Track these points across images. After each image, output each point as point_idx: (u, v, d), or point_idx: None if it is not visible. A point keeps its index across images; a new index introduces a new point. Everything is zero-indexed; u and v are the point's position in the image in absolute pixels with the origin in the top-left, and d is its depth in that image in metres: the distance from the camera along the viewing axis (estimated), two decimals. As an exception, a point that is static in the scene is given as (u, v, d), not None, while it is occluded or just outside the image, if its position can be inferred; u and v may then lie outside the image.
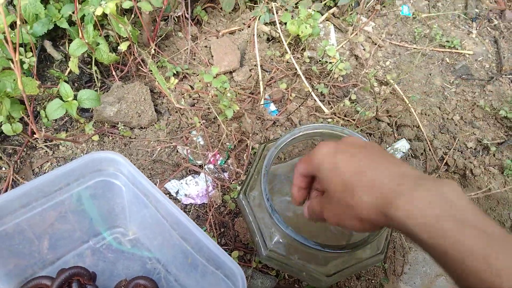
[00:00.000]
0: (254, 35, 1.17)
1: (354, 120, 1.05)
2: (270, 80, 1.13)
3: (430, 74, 1.25)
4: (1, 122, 0.85)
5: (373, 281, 0.86)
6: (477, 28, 1.40)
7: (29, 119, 0.90)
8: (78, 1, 0.84)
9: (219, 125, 1.02)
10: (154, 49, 1.02)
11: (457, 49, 1.32)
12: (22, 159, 0.95)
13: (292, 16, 1.16)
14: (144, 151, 0.97)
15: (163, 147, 0.98)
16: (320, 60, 1.18)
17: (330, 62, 1.15)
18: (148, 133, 1.00)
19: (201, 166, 0.96)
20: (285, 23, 1.18)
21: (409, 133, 1.07)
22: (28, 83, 0.84)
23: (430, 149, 1.05)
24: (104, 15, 0.98)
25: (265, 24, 1.22)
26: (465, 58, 1.31)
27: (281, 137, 0.72)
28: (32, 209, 0.72)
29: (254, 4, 1.27)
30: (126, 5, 0.89)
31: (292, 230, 0.61)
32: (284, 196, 0.82)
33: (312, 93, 1.08)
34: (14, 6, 1.03)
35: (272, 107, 1.08)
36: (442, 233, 0.40)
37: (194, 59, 1.16)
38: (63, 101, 0.87)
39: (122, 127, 0.95)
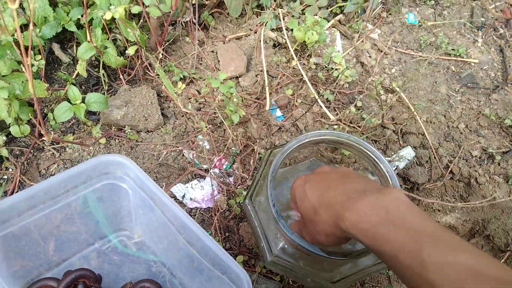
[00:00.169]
0: (260, 41, 1.17)
1: (359, 127, 1.06)
2: (276, 86, 1.13)
3: (436, 82, 1.25)
4: (10, 123, 0.86)
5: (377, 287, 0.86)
6: (483, 36, 1.41)
7: (37, 121, 0.91)
8: (86, 4, 0.85)
9: (224, 129, 1.02)
10: (162, 54, 1.03)
11: (462, 58, 1.32)
12: (29, 161, 0.96)
13: (298, 23, 1.16)
14: (150, 154, 0.98)
15: (169, 150, 0.98)
16: (326, 67, 1.19)
17: (336, 69, 1.15)
18: (154, 136, 1.01)
19: (206, 170, 0.97)
20: (292, 30, 1.18)
21: (415, 141, 1.07)
22: (37, 86, 0.85)
23: (435, 157, 1.05)
24: (112, 19, 0.99)
25: (272, 30, 1.23)
26: (470, 67, 1.31)
27: (287, 143, 0.72)
28: (39, 211, 0.72)
29: (261, 10, 1.28)
30: (135, 10, 0.90)
31: (297, 236, 0.62)
32: (289, 201, 0.82)
33: (318, 100, 1.08)
34: (23, 9, 1.04)
35: (278, 112, 1.08)
36: (378, 237, 0.47)
37: (200, 63, 1.16)
38: (71, 104, 0.88)
39: (129, 130, 0.96)
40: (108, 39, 0.99)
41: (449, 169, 1.04)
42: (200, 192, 0.93)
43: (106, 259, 0.81)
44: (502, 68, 1.32)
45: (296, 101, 1.10)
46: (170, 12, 0.98)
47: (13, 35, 0.90)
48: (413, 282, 0.44)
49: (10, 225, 0.69)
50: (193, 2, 1.06)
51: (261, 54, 1.15)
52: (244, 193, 0.91)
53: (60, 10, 1.04)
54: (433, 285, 0.41)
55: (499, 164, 1.07)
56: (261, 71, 1.15)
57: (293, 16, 1.23)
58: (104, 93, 1.06)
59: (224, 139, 1.01)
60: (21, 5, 1.06)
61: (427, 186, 1.01)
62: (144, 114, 0.99)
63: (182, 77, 1.08)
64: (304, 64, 1.19)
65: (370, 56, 1.27)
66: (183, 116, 1.05)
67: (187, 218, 0.68)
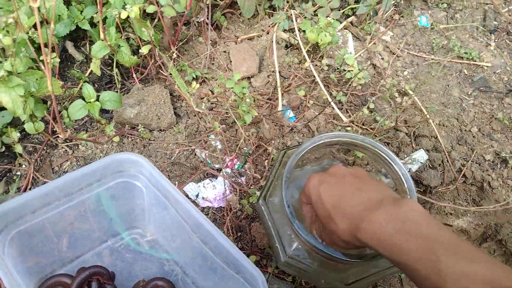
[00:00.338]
0: (272, 41, 1.17)
1: (372, 129, 1.05)
2: (288, 87, 1.13)
3: (448, 85, 1.25)
4: (24, 120, 0.86)
5: (388, 290, 0.86)
6: (496, 40, 1.40)
7: (52, 118, 0.91)
8: (100, 3, 0.85)
9: (237, 129, 1.03)
10: (176, 53, 1.03)
11: (475, 61, 1.32)
12: (42, 157, 0.96)
13: (311, 24, 1.16)
14: (163, 153, 0.98)
15: (182, 150, 0.99)
16: (338, 68, 1.19)
17: (348, 71, 1.15)
18: (167, 135, 1.01)
19: (218, 170, 0.97)
20: (304, 31, 1.18)
21: (427, 144, 1.07)
22: (52, 83, 0.85)
23: (448, 160, 1.05)
24: (126, 18, 1.00)
25: (284, 31, 1.23)
26: (483, 70, 1.31)
27: (302, 144, 0.72)
28: (54, 208, 0.72)
29: (273, 11, 1.28)
30: (150, 9, 0.90)
31: (312, 237, 0.62)
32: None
33: (331, 102, 1.08)
34: (38, 7, 1.04)
35: (290, 113, 1.08)
36: (395, 247, 0.47)
37: (213, 63, 1.16)
38: (85, 102, 0.88)
39: (142, 129, 0.96)
40: (121, 38, 0.99)
41: (462, 172, 1.03)
42: (212, 192, 0.93)
43: (119, 256, 0.81)
44: (515, 72, 1.32)
45: (308, 102, 1.10)
46: (184, 12, 0.98)
47: (27, 32, 0.90)
48: None
49: (25, 221, 0.69)
50: (207, 2, 1.06)
51: (273, 55, 1.15)
52: (257, 193, 0.91)
53: (73, 9, 1.05)
54: None
55: (512, 168, 1.07)
56: (273, 71, 1.15)
57: (305, 17, 1.23)
58: (117, 91, 1.06)
59: (236, 139, 1.01)
60: (36, 3, 1.06)
61: (439, 189, 1.00)
62: (157, 113, 0.99)
63: (194, 76, 1.08)
64: (316, 65, 1.19)
65: (382, 58, 1.26)
66: (195, 115, 1.05)
67: (202, 217, 0.68)
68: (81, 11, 1.06)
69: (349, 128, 1.05)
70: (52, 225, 0.73)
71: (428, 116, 1.11)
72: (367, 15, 1.33)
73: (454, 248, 0.44)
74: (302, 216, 0.67)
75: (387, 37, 1.35)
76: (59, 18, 1.04)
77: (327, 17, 1.21)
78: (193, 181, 0.94)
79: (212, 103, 1.07)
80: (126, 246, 0.83)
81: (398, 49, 1.31)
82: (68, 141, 0.99)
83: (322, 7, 1.25)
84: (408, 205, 0.50)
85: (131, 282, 0.76)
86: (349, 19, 1.33)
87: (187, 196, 0.92)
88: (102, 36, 0.90)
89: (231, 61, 1.15)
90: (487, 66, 1.31)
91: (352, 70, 1.15)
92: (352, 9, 1.34)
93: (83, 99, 0.89)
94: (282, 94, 1.10)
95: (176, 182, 0.94)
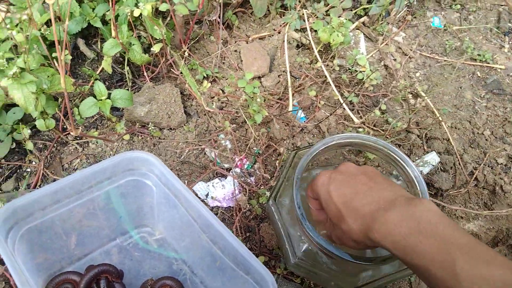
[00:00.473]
0: (284, 41, 1.17)
1: (383, 130, 1.04)
2: (299, 87, 1.12)
3: (461, 88, 1.23)
4: (35, 117, 0.87)
5: (398, 294, 0.85)
6: (510, 42, 1.38)
7: (64, 115, 0.91)
8: (112, 1, 0.85)
9: (246, 129, 1.02)
10: (187, 52, 1.03)
11: (488, 63, 1.30)
12: (52, 155, 0.97)
13: (323, 24, 1.15)
14: (173, 152, 0.98)
15: (191, 149, 0.98)
16: (349, 69, 1.18)
17: (360, 71, 1.14)
18: (177, 134, 1.01)
19: (228, 170, 0.96)
20: (315, 31, 1.18)
21: (439, 146, 1.05)
22: (65, 81, 0.86)
23: (459, 163, 1.04)
24: (137, 16, 1.00)
25: (296, 30, 1.22)
26: (496, 73, 1.29)
27: (313, 145, 0.72)
28: (64, 205, 0.72)
29: (285, 11, 1.27)
30: (163, 7, 0.90)
31: (323, 239, 0.61)
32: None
33: (343, 103, 1.07)
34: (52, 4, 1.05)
35: (301, 113, 1.08)
36: (409, 248, 0.46)
37: (223, 63, 1.16)
38: (97, 99, 0.88)
39: (152, 127, 0.96)
40: (133, 36, 0.99)
41: (474, 176, 1.02)
42: (221, 191, 0.93)
43: (127, 255, 0.81)
44: (529, 75, 1.30)
45: (319, 102, 1.10)
46: (196, 11, 0.98)
47: (39, 29, 0.91)
48: None
49: (35, 218, 0.69)
50: (220, 1, 1.06)
51: (285, 55, 1.14)
52: (267, 193, 0.91)
53: (85, 6, 1.05)
54: None
55: (525, 172, 1.06)
56: (283, 71, 1.15)
57: (317, 17, 1.22)
58: (128, 89, 1.06)
59: (246, 138, 1.01)
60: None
61: (451, 192, 0.99)
62: (167, 112, 0.99)
63: (205, 75, 1.08)
64: (327, 65, 1.18)
65: (394, 59, 1.25)
66: (205, 114, 1.05)
67: (212, 217, 0.68)
68: (93, 9, 1.06)
69: (360, 129, 1.04)
70: (62, 223, 0.73)
71: (440, 118, 1.10)
72: (380, 15, 1.32)
73: (471, 250, 0.43)
74: (309, 213, 0.67)
75: (400, 38, 1.33)
76: (71, 15, 1.04)
77: (339, 17, 1.20)
78: (203, 181, 0.94)
79: (222, 102, 1.07)
80: (134, 244, 0.83)
81: (411, 50, 1.30)
82: (78, 138, 0.99)
83: (334, 7, 1.24)
84: (423, 205, 0.49)
85: (139, 281, 0.76)
86: (361, 20, 1.32)
87: (196, 195, 0.92)
88: (114, 34, 0.90)
89: (241, 61, 1.15)
90: (500, 69, 1.30)
91: (364, 71, 1.14)
92: (364, 9, 1.33)
93: (94, 96, 0.89)
94: (293, 94, 1.09)
95: (186, 181, 0.94)
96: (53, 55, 0.94)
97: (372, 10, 1.30)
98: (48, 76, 0.87)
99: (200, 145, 0.99)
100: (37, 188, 0.90)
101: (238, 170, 0.97)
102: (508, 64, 1.32)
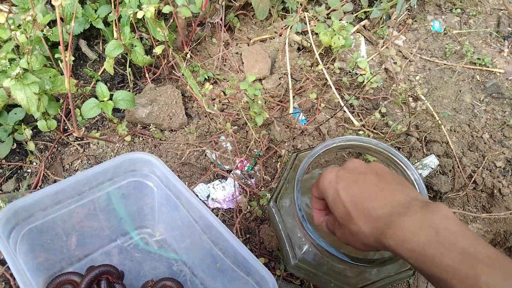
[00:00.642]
0: (285, 44, 1.17)
1: (383, 133, 1.05)
2: (299, 89, 1.13)
3: (460, 91, 1.24)
4: (37, 118, 0.87)
5: (397, 296, 0.86)
6: (509, 46, 1.39)
7: (66, 116, 0.92)
8: (115, 2, 0.85)
9: (247, 131, 1.03)
10: (189, 54, 1.03)
11: (488, 67, 1.31)
12: (53, 155, 0.97)
13: (324, 27, 1.16)
14: (174, 153, 0.98)
15: (192, 150, 0.99)
16: (350, 72, 1.18)
17: (361, 74, 1.15)
18: (178, 136, 1.01)
19: (228, 171, 0.97)
20: (316, 33, 1.18)
21: (438, 149, 1.06)
22: (69, 82, 0.86)
23: (458, 166, 1.04)
24: (139, 18, 1.00)
25: (297, 33, 1.23)
26: (496, 77, 1.30)
27: (314, 147, 0.72)
28: (65, 206, 0.73)
29: (286, 13, 1.28)
30: (166, 10, 0.90)
31: (324, 241, 0.61)
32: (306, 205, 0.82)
33: (343, 106, 1.08)
34: (52, 5, 1.05)
35: (301, 116, 1.08)
36: (428, 259, 0.43)
37: (225, 65, 1.17)
38: (99, 100, 0.89)
39: (154, 128, 0.96)
40: (135, 38, 1.00)
41: (473, 179, 1.03)
42: (222, 193, 0.93)
43: (127, 256, 0.81)
44: (528, 79, 1.31)
45: (320, 105, 1.10)
46: (198, 13, 0.98)
47: (42, 30, 0.91)
48: None
49: (36, 219, 0.70)
50: (222, 4, 1.06)
51: (286, 57, 1.15)
52: (268, 195, 0.91)
53: (88, 7, 1.05)
54: None
55: (523, 176, 1.06)
56: (284, 74, 1.15)
57: (318, 20, 1.22)
58: (129, 91, 1.07)
59: (246, 140, 1.01)
60: (49, 2, 1.07)
61: (449, 195, 1.00)
62: (168, 113, 0.99)
63: (206, 77, 1.09)
64: (328, 68, 1.19)
65: (395, 63, 1.26)
66: (206, 116, 1.05)
67: (213, 218, 0.68)
68: (95, 10, 1.06)
69: (360, 132, 1.05)
70: (62, 223, 0.74)
71: (439, 121, 1.10)
72: (380, 19, 1.33)
73: (494, 263, 0.41)
74: (311, 212, 0.64)
75: (400, 41, 1.34)
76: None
77: (340, 20, 1.21)
78: (203, 182, 0.94)
79: (223, 104, 1.07)
80: (135, 245, 0.83)
81: (411, 53, 1.30)
82: (79, 139, 0.99)
83: (335, 10, 1.25)
84: (441, 211, 0.46)
85: (139, 282, 0.76)
86: (362, 23, 1.32)
87: (197, 197, 0.92)
88: (116, 35, 0.90)
89: (243, 63, 1.15)
90: (500, 73, 1.31)
91: (364, 74, 1.15)
92: (365, 12, 1.34)
93: (96, 97, 0.90)
94: (294, 96, 1.10)
95: (186, 183, 0.95)
96: (56, 56, 0.95)
97: (373, 13, 1.30)
98: (50, 77, 0.87)
99: (201, 146, 0.99)
100: (38, 189, 0.90)
101: (238, 172, 0.97)
102: (507, 68, 1.32)
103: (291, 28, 1.20)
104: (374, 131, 1.06)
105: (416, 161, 1.03)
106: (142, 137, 1.00)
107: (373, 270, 0.68)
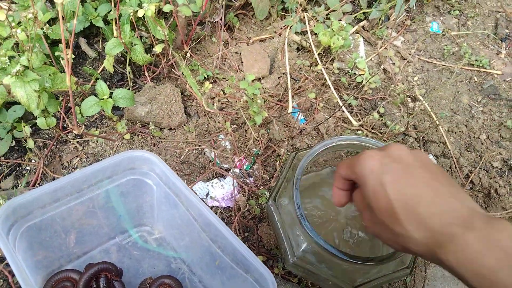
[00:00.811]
0: (284, 43, 1.18)
1: (381, 133, 1.06)
2: (298, 89, 1.13)
3: (458, 92, 1.25)
4: (37, 115, 0.87)
5: (394, 295, 0.86)
6: (507, 48, 1.40)
7: (65, 113, 0.92)
8: (115, 1, 0.85)
9: (246, 130, 1.03)
10: (189, 53, 1.03)
11: (485, 69, 1.32)
12: (52, 153, 0.97)
13: (323, 27, 1.17)
14: (173, 151, 0.98)
15: (191, 149, 0.99)
16: (348, 72, 1.19)
17: (359, 75, 1.15)
18: (177, 134, 1.01)
19: (227, 170, 0.97)
20: (316, 34, 1.19)
21: (436, 149, 1.07)
22: (66, 79, 0.86)
23: (456, 167, 1.05)
24: (139, 17, 1.00)
25: (296, 33, 1.23)
26: (493, 78, 1.30)
27: (313, 146, 0.73)
28: (64, 204, 0.73)
29: (286, 13, 1.28)
30: (167, 8, 0.90)
31: (322, 239, 0.62)
32: (305, 204, 0.82)
33: (342, 106, 1.08)
34: (52, 3, 1.05)
35: (300, 115, 1.09)
36: (497, 285, 0.39)
37: (224, 64, 1.17)
38: (98, 98, 0.89)
39: (153, 127, 0.97)
40: (135, 36, 1.00)
41: (470, 179, 1.03)
42: (220, 191, 0.93)
43: (126, 253, 0.81)
44: (525, 81, 1.32)
45: (319, 105, 1.11)
46: (198, 12, 0.99)
47: (42, 28, 0.91)
48: None
49: (35, 216, 0.70)
50: (223, 3, 1.06)
51: (285, 57, 1.15)
52: (266, 194, 0.91)
53: (88, 6, 1.05)
54: None
55: (520, 176, 1.07)
56: (283, 73, 1.15)
57: (317, 20, 1.23)
58: (129, 89, 1.07)
59: (245, 139, 1.02)
60: (50, 0, 1.07)
61: (447, 195, 1.00)
62: (168, 112, 1.00)
63: (206, 76, 1.09)
64: (327, 68, 1.19)
65: (393, 63, 1.27)
66: (205, 115, 1.05)
67: (212, 216, 0.68)
68: (95, 8, 1.06)
69: (359, 132, 1.05)
70: (61, 221, 0.74)
71: (437, 122, 1.11)
72: (379, 20, 1.34)
73: None
74: (333, 194, 0.57)
75: (398, 42, 1.35)
76: (73, 14, 1.04)
77: (339, 20, 1.21)
78: (202, 181, 0.95)
79: (222, 103, 1.08)
80: (133, 243, 0.83)
81: (409, 54, 1.31)
82: (78, 137, 0.99)
83: (334, 10, 1.25)
84: (506, 230, 0.41)
85: (138, 279, 0.76)
86: (361, 24, 1.33)
87: (196, 195, 0.93)
88: (116, 33, 0.91)
89: (242, 62, 1.16)
90: (497, 74, 1.31)
91: (363, 74, 1.15)
92: (364, 13, 1.35)
93: (95, 95, 0.90)
94: (293, 96, 1.10)
95: (185, 181, 0.95)
96: (56, 53, 0.95)
97: (372, 14, 1.31)
98: (50, 75, 0.88)
99: (200, 145, 0.99)
100: (37, 186, 0.90)
101: (237, 170, 0.97)
102: (505, 70, 1.33)
103: (290, 28, 1.20)
104: (373, 131, 1.07)
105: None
106: (141, 135, 1.00)
107: (371, 268, 0.68)
